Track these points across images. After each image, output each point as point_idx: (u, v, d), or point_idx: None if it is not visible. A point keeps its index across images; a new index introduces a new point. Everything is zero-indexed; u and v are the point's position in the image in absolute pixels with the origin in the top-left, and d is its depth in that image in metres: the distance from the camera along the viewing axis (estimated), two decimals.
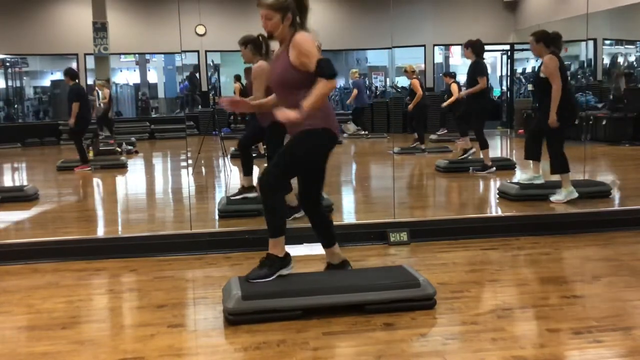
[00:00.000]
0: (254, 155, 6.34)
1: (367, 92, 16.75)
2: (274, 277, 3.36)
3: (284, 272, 3.41)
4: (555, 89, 5.66)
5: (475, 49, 8.13)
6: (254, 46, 5.52)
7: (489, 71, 8.77)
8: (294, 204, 5.39)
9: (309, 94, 3.18)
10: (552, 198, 5.86)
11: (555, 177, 6.13)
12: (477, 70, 8.03)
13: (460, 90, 10.93)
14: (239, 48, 5.65)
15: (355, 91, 13.84)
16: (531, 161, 6.27)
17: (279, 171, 3.36)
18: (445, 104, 11.00)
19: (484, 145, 8.00)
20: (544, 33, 5.89)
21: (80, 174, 9.41)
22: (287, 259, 3.43)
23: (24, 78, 18.17)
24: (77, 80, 9.92)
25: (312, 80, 3.20)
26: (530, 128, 6.27)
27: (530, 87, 14.39)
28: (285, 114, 3.18)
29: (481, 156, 8.29)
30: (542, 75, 5.79)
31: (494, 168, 8.08)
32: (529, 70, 17.27)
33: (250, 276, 3.37)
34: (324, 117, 3.33)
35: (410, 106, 10.62)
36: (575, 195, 5.81)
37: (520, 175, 6.41)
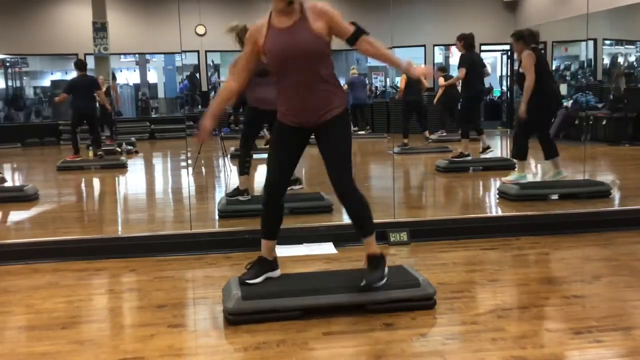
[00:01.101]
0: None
1: (367, 91, 16.75)
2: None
3: (386, 269, 3.34)
4: (528, 83, 6.11)
5: (466, 41, 8.23)
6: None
7: (490, 71, 8.87)
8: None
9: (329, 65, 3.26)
10: (504, 179, 6.59)
11: (554, 177, 6.37)
12: (460, 61, 8.37)
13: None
14: (234, 38, 5.62)
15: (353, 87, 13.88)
16: (550, 161, 6.51)
17: (347, 168, 3.26)
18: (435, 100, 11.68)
19: (465, 136, 8.51)
20: (521, 31, 6.33)
21: (75, 171, 9.43)
22: (383, 255, 3.37)
23: (24, 78, 18.17)
24: (84, 72, 10.17)
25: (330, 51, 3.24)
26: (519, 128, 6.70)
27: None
28: (411, 66, 3.28)
29: (483, 156, 8.52)
30: (521, 70, 6.18)
31: (470, 157, 8.51)
32: None
33: (371, 281, 3.23)
34: (345, 97, 3.36)
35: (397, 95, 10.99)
36: (526, 180, 6.46)
37: (544, 176, 6.89)
